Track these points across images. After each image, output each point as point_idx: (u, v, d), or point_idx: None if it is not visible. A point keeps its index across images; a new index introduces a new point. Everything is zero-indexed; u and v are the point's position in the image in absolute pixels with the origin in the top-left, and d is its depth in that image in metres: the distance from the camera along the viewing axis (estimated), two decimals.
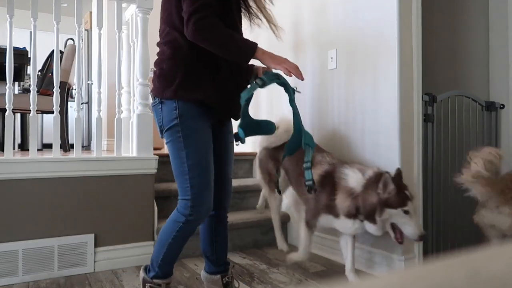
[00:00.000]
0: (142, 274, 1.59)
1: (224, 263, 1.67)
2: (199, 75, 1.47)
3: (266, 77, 1.53)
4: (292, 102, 1.58)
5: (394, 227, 1.69)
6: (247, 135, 1.53)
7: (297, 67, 1.49)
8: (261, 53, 1.45)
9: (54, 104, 2.17)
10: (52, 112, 2.22)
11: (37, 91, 2.31)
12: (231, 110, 1.57)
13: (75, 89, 4.32)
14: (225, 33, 1.40)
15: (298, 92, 1.60)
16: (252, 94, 1.51)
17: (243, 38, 1.48)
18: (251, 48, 1.43)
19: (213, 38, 1.39)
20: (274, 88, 1.74)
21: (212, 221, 1.64)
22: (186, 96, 1.44)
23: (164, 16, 1.52)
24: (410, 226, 1.64)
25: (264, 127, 1.65)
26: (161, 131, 1.51)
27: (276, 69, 1.50)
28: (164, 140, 1.52)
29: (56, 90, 2.17)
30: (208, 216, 1.53)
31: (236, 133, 1.52)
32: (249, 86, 1.53)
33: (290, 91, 1.57)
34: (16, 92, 4.22)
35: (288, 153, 1.69)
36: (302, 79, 1.51)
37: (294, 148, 1.65)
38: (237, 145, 1.58)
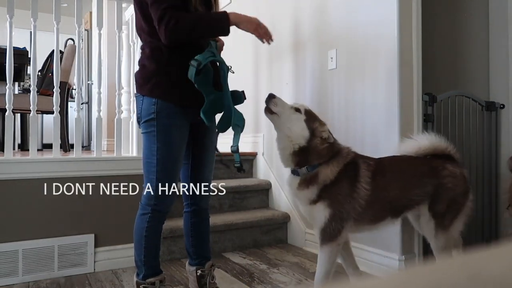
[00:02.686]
0: (134, 278, 1.61)
1: (201, 257, 1.72)
2: (174, 76, 1.50)
3: (201, 56, 1.47)
4: (224, 79, 1.55)
5: None
6: (211, 115, 1.54)
7: (267, 31, 1.52)
8: (234, 18, 1.47)
9: (54, 104, 2.17)
10: (52, 112, 2.21)
11: (37, 91, 2.30)
12: None
13: (75, 89, 4.32)
14: (193, 20, 1.44)
15: (232, 72, 1.59)
16: (201, 72, 1.46)
17: (211, 13, 1.50)
18: (223, 18, 1.46)
19: (185, 31, 1.43)
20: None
21: (188, 216, 1.73)
22: (162, 96, 1.49)
23: (136, 22, 1.60)
24: None
25: (234, 99, 1.58)
26: (138, 122, 1.58)
27: (252, 33, 1.52)
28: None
29: (56, 90, 2.17)
30: (171, 206, 1.59)
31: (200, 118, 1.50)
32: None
33: (224, 69, 1.56)
34: (16, 92, 4.22)
35: (220, 131, 1.61)
36: (272, 40, 1.55)
37: (225, 127, 1.59)
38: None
